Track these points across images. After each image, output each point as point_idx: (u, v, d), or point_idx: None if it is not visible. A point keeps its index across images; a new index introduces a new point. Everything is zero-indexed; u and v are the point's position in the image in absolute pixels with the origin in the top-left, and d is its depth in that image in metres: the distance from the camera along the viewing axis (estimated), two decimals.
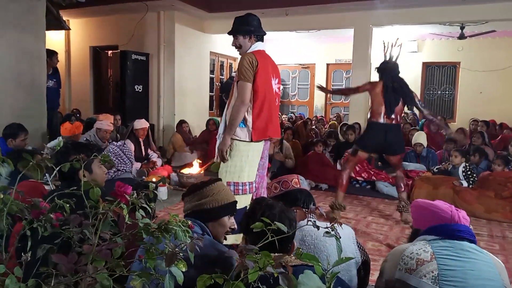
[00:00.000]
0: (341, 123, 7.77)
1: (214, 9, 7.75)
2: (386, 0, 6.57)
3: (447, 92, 10.14)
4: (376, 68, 4.14)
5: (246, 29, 2.88)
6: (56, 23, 6.11)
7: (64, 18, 6.95)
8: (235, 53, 3.04)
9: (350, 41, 7.52)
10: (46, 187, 2.50)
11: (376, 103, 3.97)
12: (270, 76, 2.90)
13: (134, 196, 1.21)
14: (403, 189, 4.11)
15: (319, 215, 1.93)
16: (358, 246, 1.94)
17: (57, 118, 6.31)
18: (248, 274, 0.95)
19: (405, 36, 9.45)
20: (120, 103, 7.23)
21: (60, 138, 4.83)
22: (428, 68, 10.22)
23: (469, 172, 4.91)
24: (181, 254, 1.04)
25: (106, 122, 5.02)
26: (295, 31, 8.60)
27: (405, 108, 4.15)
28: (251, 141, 2.84)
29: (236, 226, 1.86)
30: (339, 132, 7.08)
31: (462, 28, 7.47)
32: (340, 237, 1.27)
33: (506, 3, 6.13)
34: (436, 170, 5.45)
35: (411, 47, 9.94)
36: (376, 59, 4.78)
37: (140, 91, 7.42)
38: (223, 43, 8.47)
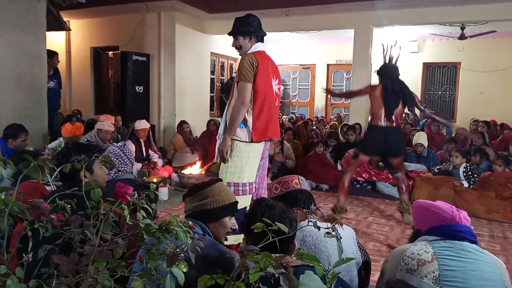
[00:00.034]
0: (342, 124, 7.77)
1: (214, 10, 7.76)
2: (386, 1, 6.57)
3: (447, 93, 10.14)
4: (376, 71, 4.14)
5: (246, 30, 2.89)
6: (57, 24, 6.12)
7: (65, 19, 6.96)
8: (235, 53, 3.04)
9: (350, 41, 7.52)
10: (47, 188, 2.51)
11: (375, 106, 3.96)
12: (270, 77, 2.90)
13: (135, 196, 1.21)
14: (404, 191, 4.11)
15: (320, 215, 1.93)
16: (358, 247, 1.94)
17: (58, 119, 6.32)
18: (249, 274, 0.95)
19: (406, 37, 9.46)
20: (121, 103, 7.23)
21: (61, 139, 4.84)
22: (429, 68, 10.22)
23: (469, 173, 4.91)
24: (182, 254, 1.05)
25: (107, 122, 5.02)
26: (296, 31, 8.60)
27: (405, 109, 4.14)
28: (252, 141, 2.84)
29: (237, 227, 1.86)
30: (339, 133, 7.07)
31: (462, 28, 7.47)
32: (341, 238, 1.27)
33: (506, 3, 6.13)
34: (437, 171, 5.45)
35: (412, 47, 9.94)
36: (377, 60, 4.78)
37: (140, 91, 7.43)
38: (223, 44, 8.47)
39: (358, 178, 5.68)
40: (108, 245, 1.05)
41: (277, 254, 1.09)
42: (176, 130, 7.26)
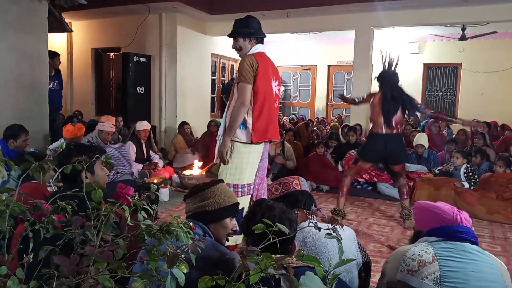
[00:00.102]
0: (342, 125, 7.76)
1: (215, 11, 7.77)
2: (387, 2, 6.57)
3: (448, 94, 10.13)
4: (375, 77, 4.15)
5: (246, 31, 2.89)
6: (58, 25, 6.12)
7: (66, 20, 6.98)
8: (236, 55, 3.05)
9: (351, 42, 7.53)
10: (49, 189, 2.51)
11: (374, 114, 3.97)
12: (270, 78, 2.90)
13: (136, 197, 1.22)
14: (406, 197, 4.11)
15: (321, 216, 1.93)
16: (359, 248, 1.94)
17: (59, 120, 6.33)
18: (249, 275, 0.95)
19: (406, 38, 9.46)
20: (122, 104, 7.24)
21: (62, 139, 4.85)
22: (430, 69, 10.22)
23: (470, 174, 4.91)
24: (182, 255, 1.05)
25: (108, 123, 5.03)
26: (296, 32, 8.61)
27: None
28: (251, 142, 2.84)
29: (238, 228, 1.86)
30: (340, 134, 7.07)
31: (463, 29, 7.47)
32: (341, 239, 1.27)
33: (507, 4, 6.13)
34: (438, 172, 5.44)
35: (412, 48, 9.94)
36: (377, 61, 4.78)
37: (142, 92, 7.43)
38: (224, 45, 8.48)
39: (359, 179, 5.68)
40: (109, 246, 1.05)
41: (277, 255, 1.09)
42: (177, 131, 7.27)
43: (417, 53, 9.99)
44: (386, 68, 4.07)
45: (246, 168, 2.87)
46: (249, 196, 2.94)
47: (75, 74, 8.60)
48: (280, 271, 0.97)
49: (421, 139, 5.94)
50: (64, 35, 8.30)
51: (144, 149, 5.68)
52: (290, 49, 11.12)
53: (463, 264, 1.47)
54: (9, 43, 4.86)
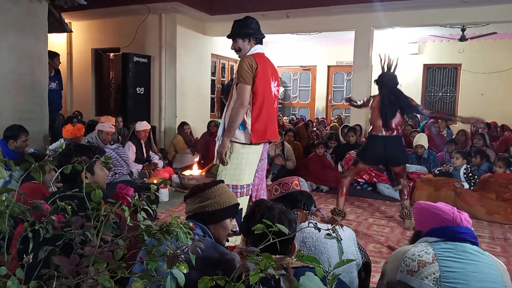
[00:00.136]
0: (342, 125, 7.76)
1: (215, 12, 7.78)
2: (387, 3, 6.58)
3: (448, 94, 10.13)
4: (374, 80, 4.16)
5: (245, 32, 2.89)
6: (58, 26, 6.13)
7: (66, 21, 6.98)
8: (236, 55, 3.06)
9: (351, 43, 7.53)
10: (49, 189, 2.51)
11: (374, 117, 3.99)
12: (269, 79, 2.91)
13: (135, 198, 1.22)
14: (406, 197, 4.11)
15: (320, 217, 1.93)
16: (359, 248, 1.94)
17: (59, 120, 6.33)
18: (249, 276, 0.95)
19: (406, 38, 9.47)
20: (122, 105, 7.24)
21: (62, 140, 4.85)
22: (429, 70, 10.22)
23: (470, 174, 4.91)
24: (182, 256, 1.05)
25: (107, 124, 5.03)
26: (296, 33, 8.62)
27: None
28: (250, 143, 2.84)
29: (237, 229, 1.86)
30: (340, 134, 7.07)
31: (463, 30, 7.47)
32: (341, 239, 1.28)
33: (507, 5, 6.13)
34: (437, 172, 5.44)
35: (412, 49, 9.95)
36: (377, 62, 4.78)
37: (141, 93, 7.43)
38: (224, 46, 8.48)
39: (359, 180, 5.68)
40: (108, 246, 1.05)
41: (277, 256, 1.09)
42: (177, 131, 7.27)
43: (417, 53, 9.99)
44: (385, 70, 4.08)
45: (245, 169, 2.87)
46: (248, 196, 2.94)
47: (75, 75, 8.60)
48: (280, 271, 0.97)
49: (421, 139, 5.94)
50: (64, 36, 8.30)
51: (144, 149, 5.68)
52: (290, 49, 11.13)
53: (463, 265, 1.47)
54: (9, 44, 4.86)
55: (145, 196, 1.25)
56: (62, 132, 5.05)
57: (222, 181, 1.96)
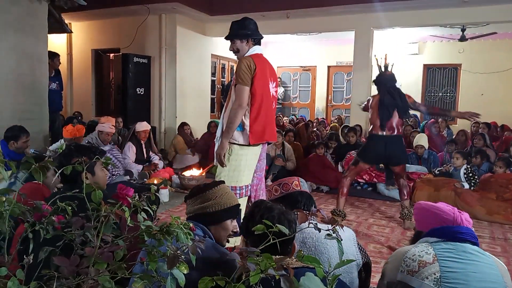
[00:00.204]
0: (342, 125, 7.77)
1: (215, 12, 7.78)
2: (387, 3, 6.58)
3: (448, 94, 10.13)
4: (372, 81, 4.18)
5: (243, 33, 2.89)
6: (58, 26, 6.13)
7: (66, 21, 6.98)
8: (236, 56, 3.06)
9: (351, 43, 7.53)
10: (52, 191, 2.51)
11: (373, 116, 4.02)
12: (267, 80, 2.91)
13: (136, 198, 1.22)
14: (406, 197, 4.11)
15: (321, 217, 1.93)
16: (359, 248, 1.94)
17: (60, 121, 6.34)
18: (249, 276, 0.95)
19: (406, 38, 9.47)
20: (122, 105, 7.24)
21: (62, 140, 4.85)
22: (429, 70, 10.22)
23: (470, 174, 4.91)
24: (182, 256, 1.05)
25: (107, 124, 5.03)
26: (296, 33, 8.62)
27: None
28: (249, 144, 2.84)
29: (238, 229, 1.86)
30: (340, 134, 7.07)
31: (463, 30, 7.47)
32: (341, 239, 1.27)
33: (507, 5, 6.13)
34: (438, 172, 5.44)
35: (412, 49, 9.95)
36: (374, 62, 4.79)
37: (141, 93, 7.44)
38: (224, 46, 8.41)
39: (359, 180, 5.68)
40: (109, 247, 1.05)
41: (277, 256, 1.09)
42: (177, 132, 7.27)
43: (417, 54, 10.00)
44: (383, 70, 4.09)
45: (244, 170, 2.87)
46: (247, 197, 2.95)
47: (75, 75, 8.61)
48: (280, 272, 0.97)
49: (421, 139, 5.94)
50: (64, 36, 8.30)
51: (144, 150, 5.68)
52: (289, 50, 11.13)
53: (464, 265, 1.47)
54: (9, 44, 4.86)
55: (145, 196, 1.25)
56: (63, 132, 5.05)
57: (223, 182, 1.96)
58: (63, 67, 7.44)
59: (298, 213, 2.04)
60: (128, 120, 6.82)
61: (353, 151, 5.77)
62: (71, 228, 1.11)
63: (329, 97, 11.27)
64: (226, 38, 2.97)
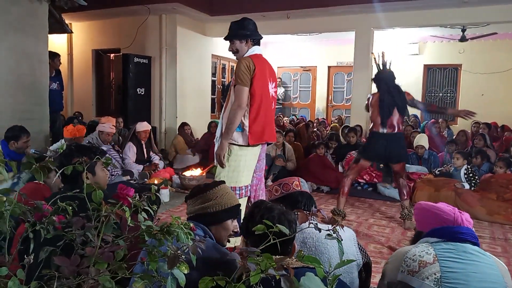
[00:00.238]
0: (343, 126, 7.77)
1: (215, 12, 7.78)
2: (387, 3, 6.58)
3: (448, 95, 10.13)
4: (371, 79, 4.18)
5: (242, 34, 2.89)
6: (59, 27, 6.14)
7: (67, 22, 6.99)
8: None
9: (351, 43, 7.53)
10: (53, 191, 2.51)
11: (374, 114, 4.02)
12: (267, 80, 2.90)
13: (136, 198, 1.22)
14: (406, 197, 4.12)
15: (321, 217, 1.93)
16: (359, 248, 1.94)
17: (60, 121, 6.34)
18: (250, 276, 0.95)
19: (407, 39, 9.47)
20: (122, 105, 7.25)
21: (63, 141, 4.85)
22: (430, 70, 10.22)
23: (471, 174, 4.91)
24: (183, 256, 1.05)
25: (108, 125, 5.03)
26: (297, 34, 8.61)
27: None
28: (248, 145, 2.84)
29: (239, 229, 1.86)
30: (340, 135, 7.07)
31: (463, 30, 7.47)
32: (342, 240, 1.27)
33: (507, 5, 6.13)
34: (438, 172, 5.44)
35: (413, 49, 9.95)
36: (372, 60, 4.80)
37: (142, 93, 7.44)
38: (224, 46, 8.38)
39: (359, 180, 5.68)
40: (109, 247, 1.05)
41: (277, 256, 1.09)
42: (177, 132, 7.27)
43: (417, 54, 9.99)
44: (381, 68, 4.09)
45: (243, 171, 2.87)
46: (247, 198, 2.95)
47: (75, 75, 8.61)
48: (281, 272, 0.97)
49: (422, 140, 5.94)
50: (64, 36, 8.31)
51: (145, 150, 5.68)
52: (290, 50, 11.13)
53: (464, 265, 1.47)
54: (9, 44, 4.87)
55: (146, 196, 1.25)
56: (63, 132, 5.05)
57: (223, 182, 1.96)
58: (63, 67, 7.44)
59: (299, 213, 2.04)
60: (129, 120, 6.82)
61: (353, 152, 5.77)
62: (71, 228, 1.11)
63: (330, 97, 11.27)
64: (225, 38, 2.97)
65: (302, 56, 11.24)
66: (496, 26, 7.41)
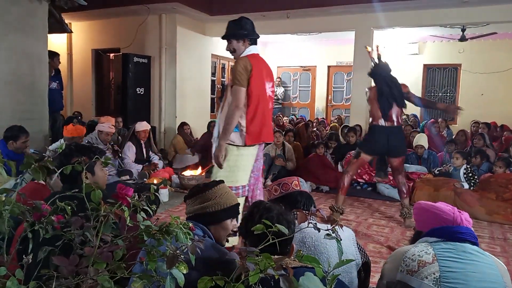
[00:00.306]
0: (342, 125, 7.77)
1: (215, 12, 7.78)
2: (387, 3, 6.58)
3: (448, 94, 10.14)
4: (368, 73, 4.17)
5: (240, 33, 2.88)
6: (59, 26, 6.13)
7: (66, 21, 6.98)
8: None
9: (351, 43, 7.53)
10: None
11: (373, 108, 4.03)
12: (264, 80, 2.90)
13: (135, 198, 1.22)
14: (405, 195, 4.11)
15: (320, 217, 1.94)
16: (358, 248, 1.94)
17: (60, 120, 6.34)
18: (249, 276, 0.95)
19: (406, 38, 9.47)
20: (122, 105, 7.25)
21: (62, 140, 4.85)
22: (429, 70, 10.23)
23: (470, 174, 4.91)
24: (182, 256, 1.05)
25: (107, 124, 5.03)
26: (296, 33, 8.61)
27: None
28: (245, 145, 2.84)
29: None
30: (340, 134, 7.07)
31: (463, 30, 7.47)
32: (341, 239, 1.28)
33: (507, 5, 6.13)
34: (437, 172, 5.44)
35: (412, 49, 9.95)
36: (366, 59, 4.79)
37: (141, 93, 7.44)
38: (224, 46, 8.43)
39: (359, 180, 5.69)
40: (108, 246, 1.05)
41: (276, 256, 1.09)
42: (176, 132, 7.27)
43: (417, 54, 10.00)
44: (377, 62, 4.09)
45: (240, 171, 2.87)
46: (244, 197, 2.95)
47: (75, 75, 8.61)
48: (280, 271, 0.97)
49: (421, 139, 5.94)
50: (64, 36, 8.30)
51: (144, 149, 5.68)
52: (290, 50, 11.13)
53: (463, 265, 1.47)
54: (9, 44, 4.86)
55: (145, 196, 1.25)
56: (63, 132, 5.05)
57: (223, 181, 1.96)
58: (63, 67, 7.44)
59: (298, 213, 2.04)
60: (128, 120, 6.82)
61: (353, 151, 5.76)
62: (70, 228, 1.11)
63: (329, 97, 11.28)
64: (223, 37, 2.97)
65: (301, 56, 11.24)
66: (496, 26, 7.42)
